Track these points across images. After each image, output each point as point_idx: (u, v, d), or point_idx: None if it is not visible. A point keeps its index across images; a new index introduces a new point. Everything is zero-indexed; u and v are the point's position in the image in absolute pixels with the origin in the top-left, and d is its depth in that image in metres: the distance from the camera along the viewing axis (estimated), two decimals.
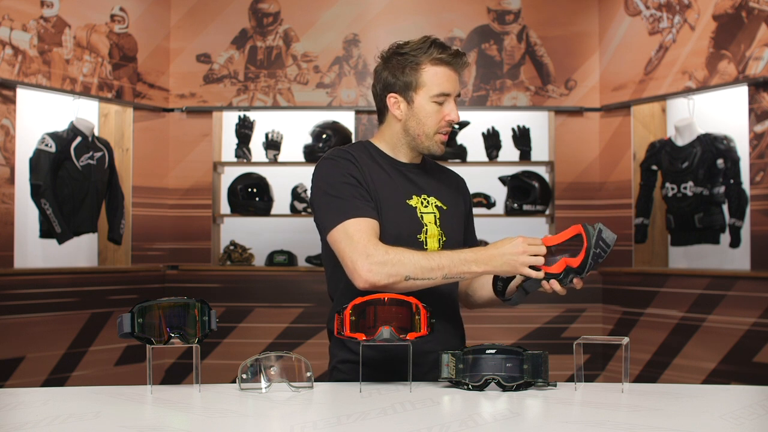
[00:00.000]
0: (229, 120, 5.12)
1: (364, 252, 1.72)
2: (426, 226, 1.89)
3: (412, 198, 1.91)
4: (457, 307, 2.00)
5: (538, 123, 5.04)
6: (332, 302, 1.96)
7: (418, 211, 1.90)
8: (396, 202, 1.88)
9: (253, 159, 5.00)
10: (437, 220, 1.91)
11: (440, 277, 1.73)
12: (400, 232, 1.84)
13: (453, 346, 1.86)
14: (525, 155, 4.94)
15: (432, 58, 1.85)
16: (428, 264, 1.72)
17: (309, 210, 4.88)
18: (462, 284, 2.02)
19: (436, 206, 1.93)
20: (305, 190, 4.92)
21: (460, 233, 1.98)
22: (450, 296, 1.96)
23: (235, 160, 5.00)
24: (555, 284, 1.73)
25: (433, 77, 1.86)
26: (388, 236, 1.82)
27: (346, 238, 1.75)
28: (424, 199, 1.93)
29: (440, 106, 1.87)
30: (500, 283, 1.86)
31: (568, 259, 1.72)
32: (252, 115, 5.02)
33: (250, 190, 4.89)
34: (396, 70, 1.88)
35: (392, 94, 1.90)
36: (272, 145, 4.94)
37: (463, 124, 4.86)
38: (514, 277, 1.82)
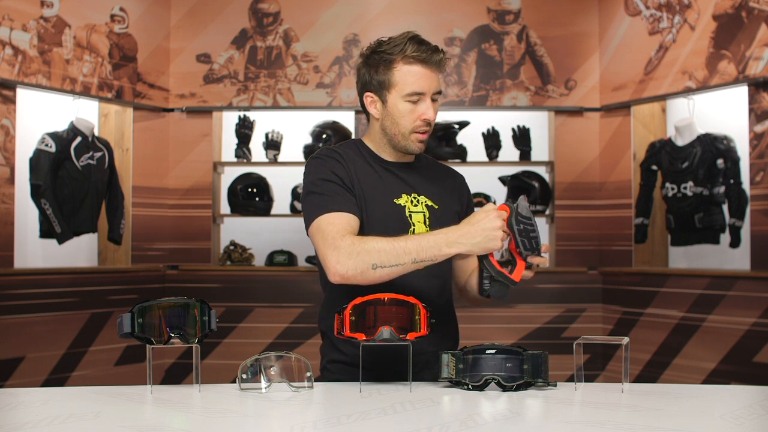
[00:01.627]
0: (229, 120, 5.12)
1: (333, 245, 1.71)
2: (414, 225, 1.88)
3: (401, 197, 1.90)
4: (451, 307, 2.00)
5: (538, 123, 5.04)
6: (324, 297, 1.96)
7: (406, 210, 1.89)
8: (383, 201, 1.87)
9: (253, 159, 5.00)
10: (426, 219, 1.90)
11: (409, 262, 1.68)
12: (387, 231, 1.82)
13: (446, 346, 1.86)
14: (525, 155, 4.94)
15: (405, 56, 1.82)
16: (394, 250, 1.68)
17: None
18: (459, 280, 2.01)
19: (426, 205, 1.91)
20: None
21: None
22: (444, 296, 1.96)
23: (235, 160, 5.00)
24: (528, 273, 1.71)
25: (406, 76, 1.83)
26: (375, 235, 1.82)
27: (319, 233, 1.75)
28: (414, 197, 1.91)
29: (414, 105, 1.84)
30: (487, 281, 1.76)
31: (512, 246, 1.70)
32: (252, 115, 5.02)
33: (250, 190, 4.89)
34: (372, 68, 1.87)
35: (368, 93, 1.89)
36: (272, 145, 4.94)
37: (463, 124, 4.86)
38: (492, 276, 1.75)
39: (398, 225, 1.86)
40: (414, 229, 1.87)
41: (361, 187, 1.86)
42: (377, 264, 1.68)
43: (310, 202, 1.82)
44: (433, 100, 1.86)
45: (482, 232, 1.67)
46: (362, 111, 1.97)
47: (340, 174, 1.84)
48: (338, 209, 1.78)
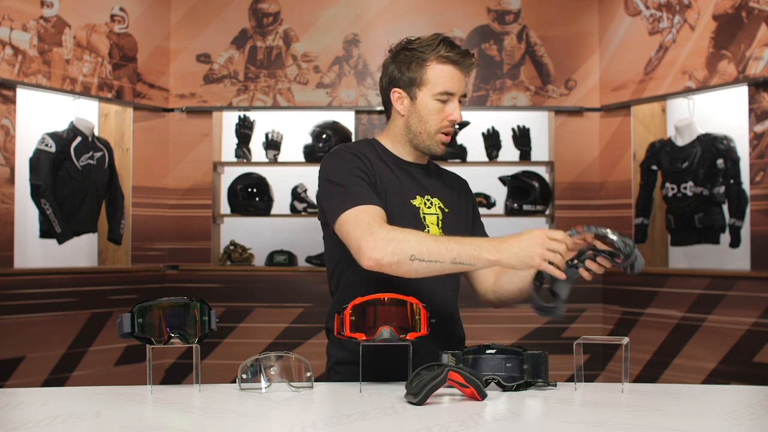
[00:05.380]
0: (229, 120, 5.12)
1: (369, 230, 1.68)
2: (428, 227, 1.87)
3: (415, 198, 1.90)
4: (456, 309, 2.00)
5: (538, 123, 5.04)
6: (332, 299, 1.95)
7: (420, 212, 1.88)
8: (399, 201, 1.87)
9: (253, 159, 5.00)
10: (439, 222, 1.90)
11: (448, 260, 1.63)
12: None
13: (454, 348, 1.86)
14: (525, 155, 4.94)
15: (438, 56, 1.83)
16: (436, 246, 1.64)
17: (309, 210, 4.88)
18: (488, 281, 1.97)
19: (439, 208, 1.92)
20: (305, 190, 4.93)
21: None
22: (454, 297, 1.95)
23: (235, 160, 5.00)
24: (592, 264, 1.63)
25: (438, 75, 1.83)
26: None
27: (353, 221, 1.72)
28: (428, 199, 1.91)
29: (443, 104, 1.85)
30: (538, 283, 1.70)
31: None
32: (252, 115, 5.02)
33: (250, 190, 4.89)
34: (402, 64, 1.87)
35: (396, 89, 1.89)
36: (272, 145, 4.94)
37: (463, 124, 4.86)
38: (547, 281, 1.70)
39: (413, 226, 1.84)
40: (428, 231, 1.87)
41: (382, 185, 1.85)
42: (416, 255, 1.64)
43: (336, 195, 1.79)
44: (459, 102, 1.88)
45: (517, 245, 1.62)
46: (376, 111, 1.98)
47: (364, 169, 1.83)
48: (369, 202, 1.76)
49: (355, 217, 1.72)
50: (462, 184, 2.07)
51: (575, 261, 1.66)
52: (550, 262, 1.61)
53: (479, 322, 4.60)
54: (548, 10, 4.98)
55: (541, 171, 5.03)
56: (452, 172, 2.09)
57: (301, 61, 5.00)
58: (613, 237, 1.62)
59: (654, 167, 4.53)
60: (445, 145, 1.90)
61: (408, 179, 1.91)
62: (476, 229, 2.04)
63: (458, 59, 1.83)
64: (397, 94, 1.89)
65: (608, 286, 4.80)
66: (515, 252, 1.62)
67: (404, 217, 1.85)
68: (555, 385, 1.67)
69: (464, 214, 2.00)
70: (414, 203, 1.89)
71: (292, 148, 4.99)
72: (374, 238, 1.66)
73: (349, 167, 1.82)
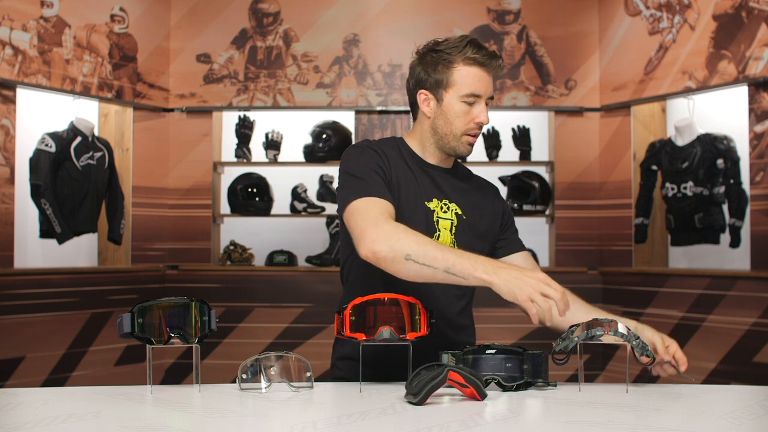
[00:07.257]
0: (229, 120, 5.12)
1: (375, 222, 1.68)
2: (440, 231, 1.86)
3: (432, 200, 1.88)
4: (470, 311, 2.00)
5: (538, 123, 5.04)
6: (343, 290, 1.95)
7: (435, 215, 1.87)
8: (413, 202, 1.86)
9: (253, 159, 5.00)
10: (453, 228, 1.88)
11: (442, 268, 1.61)
12: None
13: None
14: (525, 155, 4.94)
15: (465, 58, 1.82)
16: (433, 252, 1.62)
17: (309, 210, 4.88)
18: None
19: (456, 213, 1.90)
20: (305, 190, 4.93)
21: (476, 247, 1.91)
22: (464, 299, 1.94)
23: (235, 160, 5.00)
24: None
25: (465, 77, 1.82)
26: None
27: (361, 210, 1.72)
28: (445, 204, 1.89)
29: (470, 106, 1.84)
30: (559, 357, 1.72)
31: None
32: (252, 115, 5.02)
33: (250, 190, 4.89)
34: (429, 66, 1.86)
35: (423, 91, 1.88)
36: (272, 145, 4.94)
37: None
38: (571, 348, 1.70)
39: (424, 228, 1.83)
40: (439, 235, 1.86)
41: (397, 185, 1.85)
42: (411, 256, 1.63)
43: (349, 185, 1.79)
44: (486, 104, 1.87)
45: (520, 279, 1.58)
46: (410, 109, 1.96)
47: (381, 165, 1.83)
48: (380, 196, 1.76)
49: (363, 207, 1.72)
50: (491, 191, 2.04)
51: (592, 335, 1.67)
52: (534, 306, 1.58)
53: (479, 322, 4.58)
54: (548, 10, 4.98)
55: (541, 171, 5.03)
56: (482, 178, 2.06)
57: (301, 61, 5.00)
58: (636, 349, 1.70)
59: (654, 167, 4.53)
60: (471, 146, 1.89)
61: (427, 181, 1.90)
62: (509, 236, 2.01)
63: (485, 61, 1.82)
64: (423, 95, 1.88)
65: (608, 286, 4.81)
66: (509, 279, 1.59)
67: (414, 218, 1.83)
68: (555, 385, 1.68)
69: (488, 221, 1.96)
70: (429, 206, 1.87)
71: (292, 148, 4.99)
72: (377, 231, 1.66)
73: (368, 161, 1.82)
